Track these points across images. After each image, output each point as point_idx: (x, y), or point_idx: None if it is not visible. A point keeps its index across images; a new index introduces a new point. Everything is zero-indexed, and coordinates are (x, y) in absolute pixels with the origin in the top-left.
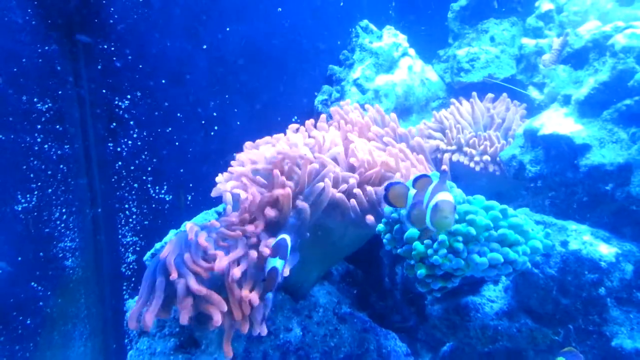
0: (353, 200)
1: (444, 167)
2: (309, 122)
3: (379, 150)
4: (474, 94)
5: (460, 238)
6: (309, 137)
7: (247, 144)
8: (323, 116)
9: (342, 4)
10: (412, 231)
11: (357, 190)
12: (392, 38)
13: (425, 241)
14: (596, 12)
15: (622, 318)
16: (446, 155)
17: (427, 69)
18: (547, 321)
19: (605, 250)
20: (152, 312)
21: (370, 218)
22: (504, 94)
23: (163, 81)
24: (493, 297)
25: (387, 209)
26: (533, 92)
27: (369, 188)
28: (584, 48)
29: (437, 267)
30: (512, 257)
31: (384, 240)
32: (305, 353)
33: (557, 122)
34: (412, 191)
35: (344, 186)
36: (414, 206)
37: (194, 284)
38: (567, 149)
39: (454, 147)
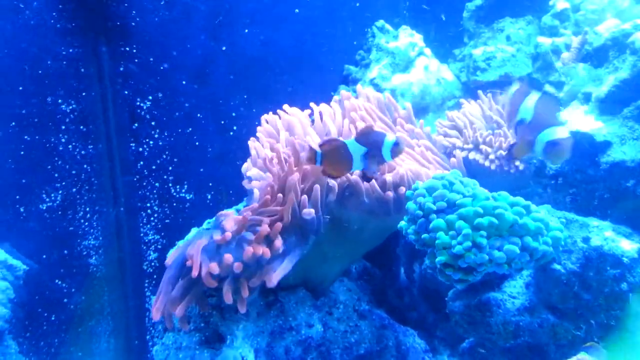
0: (366, 184)
1: (453, 159)
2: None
3: None
4: (480, 92)
5: (484, 233)
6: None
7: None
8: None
9: (358, 4)
10: (437, 222)
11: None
12: (408, 38)
13: (450, 232)
14: (613, 10)
15: None
16: (457, 152)
17: (443, 68)
18: (568, 316)
19: (627, 246)
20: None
21: (389, 194)
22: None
23: (184, 82)
24: (514, 293)
25: (410, 205)
26: (550, 91)
27: (388, 177)
28: (604, 46)
29: (460, 257)
30: (533, 246)
31: (409, 231)
32: (326, 349)
33: (578, 119)
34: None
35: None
36: (523, 126)
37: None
38: (588, 146)
39: (470, 146)
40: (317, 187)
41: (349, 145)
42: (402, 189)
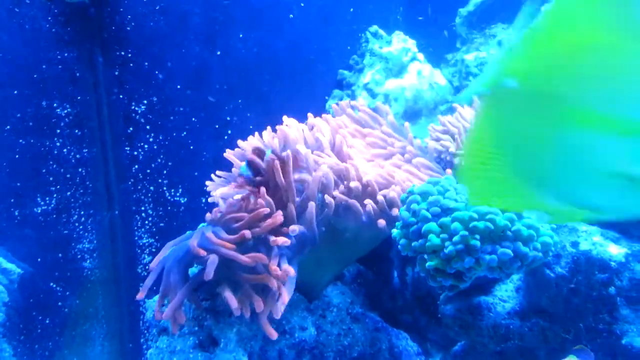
0: (368, 206)
1: (448, 171)
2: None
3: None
4: (475, 97)
5: (477, 236)
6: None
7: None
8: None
9: (351, 10)
10: (430, 225)
11: (367, 201)
12: (401, 43)
13: (441, 235)
14: None
15: (632, 317)
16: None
17: (436, 73)
18: (558, 320)
19: (615, 250)
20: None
21: (382, 222)
22: None
23: (178, 87)
24: (505, 297)
25: (402, 212)
26: None
27: (379, 197)
28: None
29: (450, 262)
30: (523, 251)
31: (399, 247)
32: (319, 352)
33: None
34: None
35: (356, 184)
36: None
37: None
38: None
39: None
40: (311, 204)
41: None
42: (396, 211)
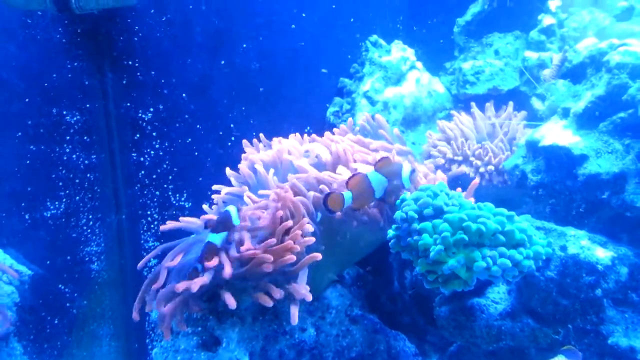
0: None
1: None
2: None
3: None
4: (473, 104)
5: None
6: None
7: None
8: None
9: (352, 19)
10: (425, 224)
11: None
12: (400, 52)
13: (434, 236)
14: (594, 27)
15: (617, 318)
16: (454, 167)
17: (434, 81)
18: (547, 321)
19: (602, 254)
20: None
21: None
22: (510, 103)
23: (184, 95)
24: (497, 299)
25: (398, 214)
26: (536, 103)
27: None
28: (582, 64)
29: (439, 264)
30: (518, 259)
31: (391, 234)
32: (319, 352)
33: (557, 133)
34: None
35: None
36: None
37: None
38: (566, 159)
39: (460, 158)
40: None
41: (370, 178)
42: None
